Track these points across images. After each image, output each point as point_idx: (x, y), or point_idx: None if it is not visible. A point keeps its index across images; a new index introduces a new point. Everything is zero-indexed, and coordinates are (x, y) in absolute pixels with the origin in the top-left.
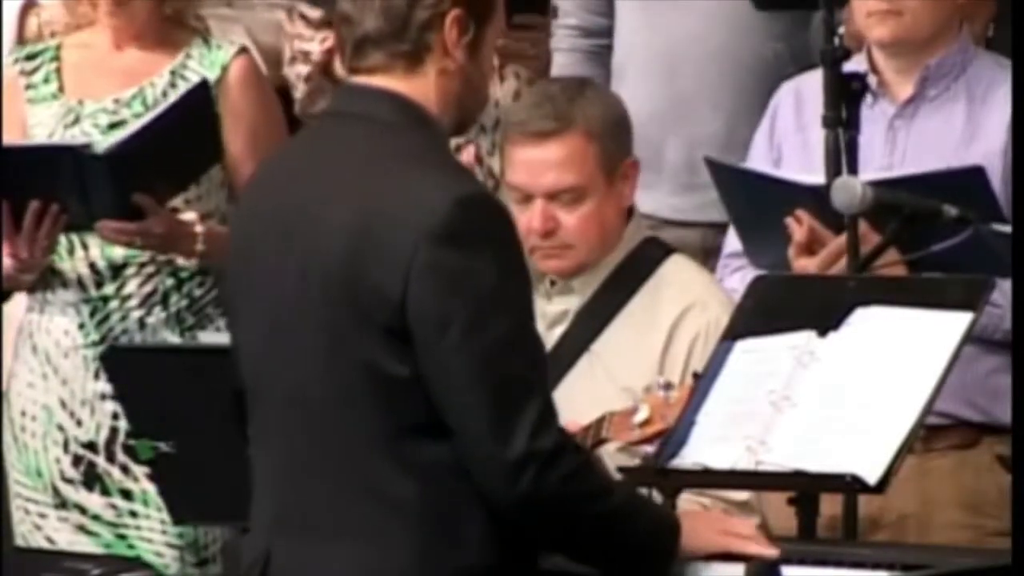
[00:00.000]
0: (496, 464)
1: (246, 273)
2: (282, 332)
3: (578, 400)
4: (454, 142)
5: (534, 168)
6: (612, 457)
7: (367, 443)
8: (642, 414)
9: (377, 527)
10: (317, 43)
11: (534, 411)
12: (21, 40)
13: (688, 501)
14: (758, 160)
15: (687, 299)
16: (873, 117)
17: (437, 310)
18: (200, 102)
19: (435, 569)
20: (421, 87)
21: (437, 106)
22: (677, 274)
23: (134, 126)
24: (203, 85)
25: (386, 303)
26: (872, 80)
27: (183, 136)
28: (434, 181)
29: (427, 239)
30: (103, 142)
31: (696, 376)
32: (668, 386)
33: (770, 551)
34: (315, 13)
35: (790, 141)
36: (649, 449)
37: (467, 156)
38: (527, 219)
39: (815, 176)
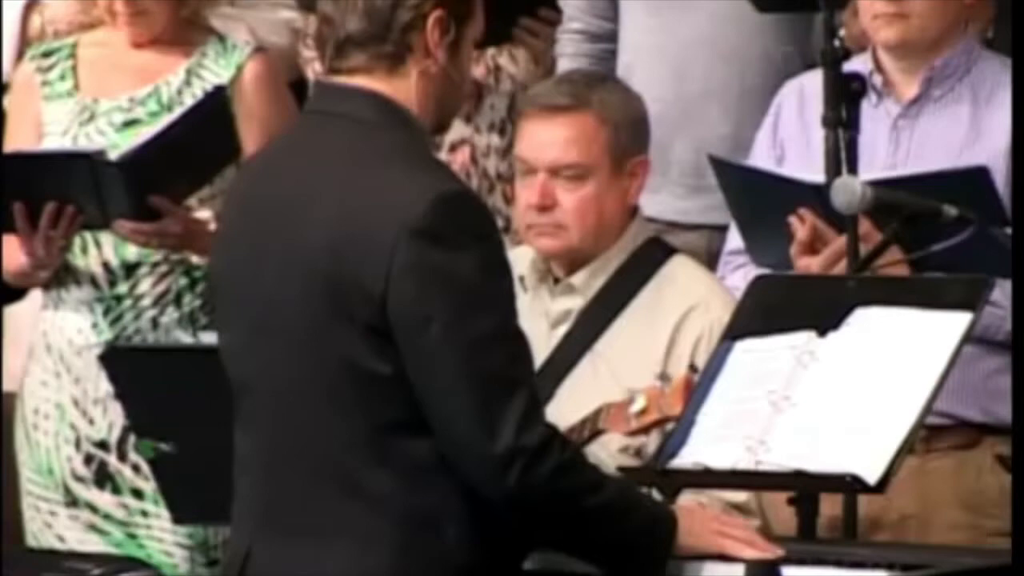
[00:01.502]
0: (483, 461)
1: (229, 269)
2: (264, 329)
3: (581, 399)
4: (448, 141)
5: (541, 141)
6: (613, 457)
7: (348, 440)
8: (638, 404)
9: (358, 525)
10: None
11: (519, 407)
12: (24, 39)
13: (686, 500)
14: (760, 158)
15: (690, 299)
16: (877, 116)
17: (418, 308)
18: (215, 107)
19: (417, 567)
20: (402, 88)
21: (418, 106)
22: (680, 274)
23: (148, 133)
24: (218, 90)
25: (367, 301)
26: (877, 80)
27: (199, 140)
28: (414, 179)
29: (407, 236)
30: (119, 146)
31: (692, 368)
32: (664, 377)
33: (768, 553)
34: None
35: (793, 140)
36: (644, 438)
37: (462, 157)
38: (528, 194)
39: (819, 175)
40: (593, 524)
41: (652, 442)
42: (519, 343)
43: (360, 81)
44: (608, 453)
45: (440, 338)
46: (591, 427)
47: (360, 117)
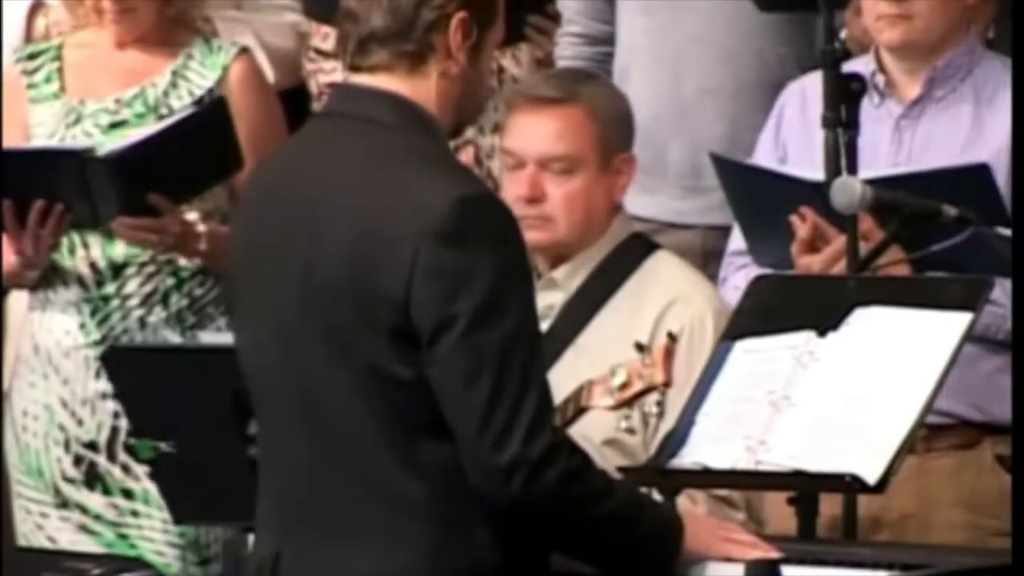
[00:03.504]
0: (488, 467)
1: (249, 274)
2: (287, 334)
3: (564, 394)
4: (452, 143)
5: (530, 133)
6: (599, 451)
7: (375, 444)
8: (619, 378)
9: (387, 528)
10: (339, 74)
11: (527, 415)
12: (29, 40)
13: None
14: (763, 158)
15: (671, 294)
16: (879, 117)
17: (439, 311)
18: (214, 118)
19: (446, 570)
20: (423, 88)
21: (437, 108)
22: (662, 269)
23: (141, 133)
24: (219, 102)
25: (390, 305)
26: (879, 80)
27: (194, 148)
28: (436, 182)
29: (429, 240)
30: (107, 143)
31: (671, 337)
32: (641, 347)
33: (772, 555)
34: (328, 44)
35: (796, 140)
36: (631, 438)
37: (466, 157)
38: (516, 187)
39: (821, 175)
40: (600, 531)
41: (638, 437)
42: (534, 347)
43: (381, 80)
44: (593, 447)
45: (457, 342)
46: (574, 406)
47: (381, 120)
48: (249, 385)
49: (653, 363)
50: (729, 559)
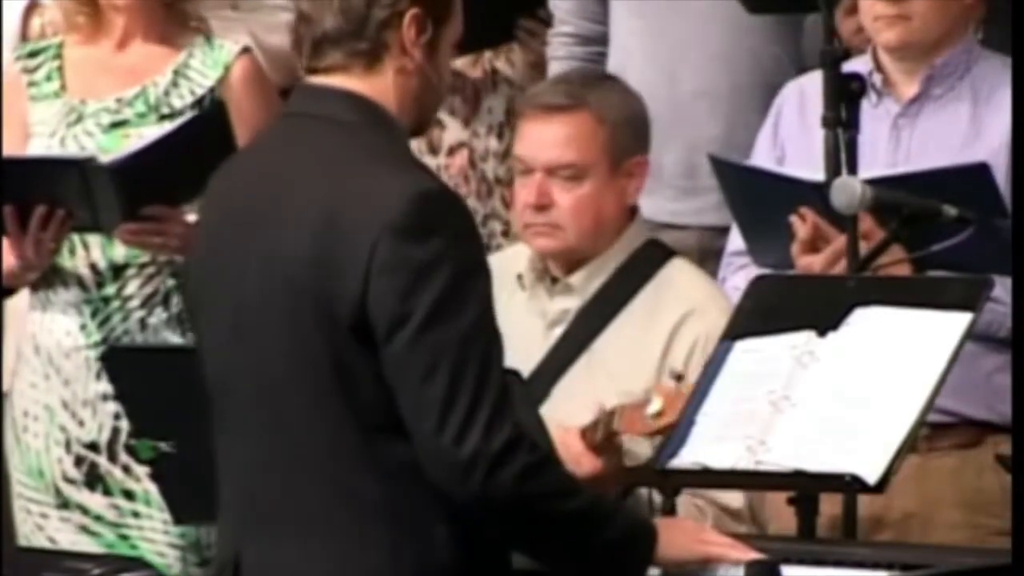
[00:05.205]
0: (447, 463)
1: (209, 271)
2: (246, 330)
3: (577, 399)
4: (447, 144)
5: (538, 141)
6: None
7: (335, 442)
8: (655, 406)
9: (346, 527)
10: None
11: (487, 408)
12: (25, 40)
13: (683, 504)
14: (761, 159)
15: (687, 304)
16: (877, 116)
17: (396, 306)
18: (214, 123)
19: (405, 569)
20: (380, 86)
21: (396, 105)
22: (679, 278)
23: (144, 141)
24: (219, 107)
25: (349, 301)
26: (877, 79)
27: (195, 153)
28: (395, 177)
29: (387, 234)
30: (107, 147)
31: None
32: (679, 377)
33: (751, 555)
34: None
35: (794, 141)
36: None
37: (460, 160)
38: (525, 194)
39: (820, 175)
40: (563, 529)
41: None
42: (492, 343)
43: (338, 80)
44: None
45: (413, 337)
46: (604, 429)
47: (339, 118)
48: (209, 386)
49: (689, 393)
50: (708, 560)
